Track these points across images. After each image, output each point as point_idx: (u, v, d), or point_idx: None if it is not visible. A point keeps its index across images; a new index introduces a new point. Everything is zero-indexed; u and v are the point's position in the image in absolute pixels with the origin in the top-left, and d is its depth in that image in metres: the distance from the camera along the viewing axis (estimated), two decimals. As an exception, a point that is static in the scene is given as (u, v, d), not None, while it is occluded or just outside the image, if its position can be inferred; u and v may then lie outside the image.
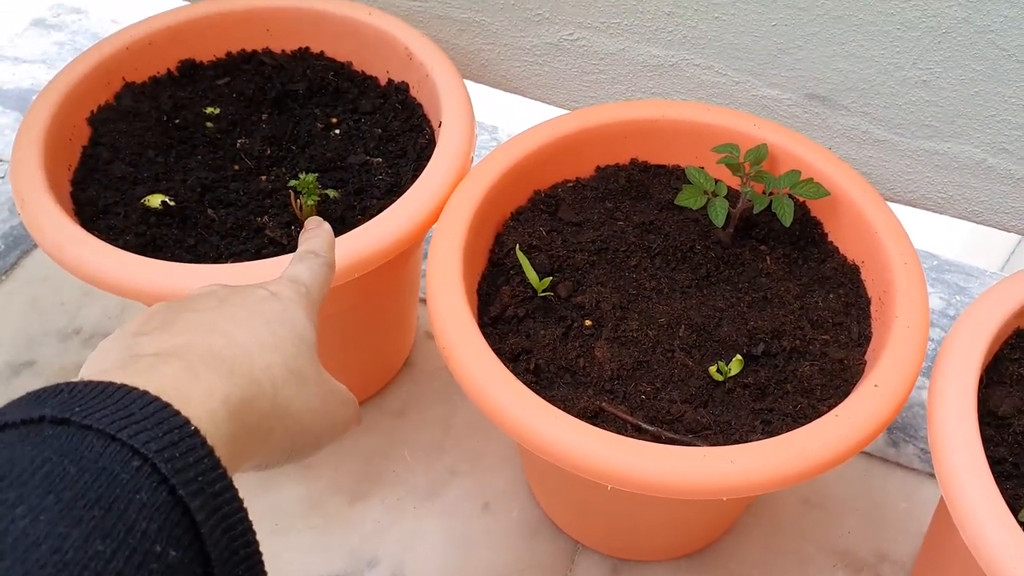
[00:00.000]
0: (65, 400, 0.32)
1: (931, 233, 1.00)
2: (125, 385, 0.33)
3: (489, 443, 0.83)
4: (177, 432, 0.32)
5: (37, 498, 0.28)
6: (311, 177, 0.67)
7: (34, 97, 1.12)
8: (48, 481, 0.29)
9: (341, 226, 0.70)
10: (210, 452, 0.33)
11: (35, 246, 0.96)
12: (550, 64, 0.86)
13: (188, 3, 0.83)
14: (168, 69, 0.81)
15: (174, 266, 0.62)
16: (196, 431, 0.33)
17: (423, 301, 0.89)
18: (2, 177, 1.05)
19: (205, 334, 0.40)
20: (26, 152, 0.69)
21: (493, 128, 1.11)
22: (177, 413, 0.33)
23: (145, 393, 0.33)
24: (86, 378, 0.34)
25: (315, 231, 0.54)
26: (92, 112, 0.76)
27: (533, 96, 0.90)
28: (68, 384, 0.33)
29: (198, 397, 0.35)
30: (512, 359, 0.63)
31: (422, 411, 0.86)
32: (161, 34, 0.80)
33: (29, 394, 0.33)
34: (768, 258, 0.70)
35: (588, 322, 0.66)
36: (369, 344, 0.80)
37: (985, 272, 0.97)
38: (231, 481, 0.33)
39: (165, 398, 0.33)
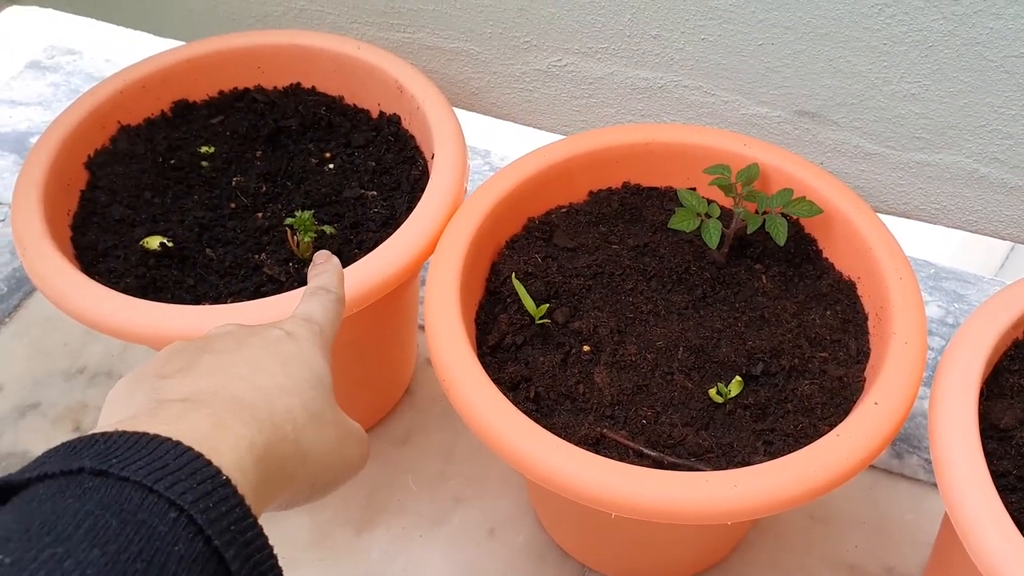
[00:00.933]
0: (102, 451, 0.33)
1: (925, 238, 1.00)
2: (159, 436, 0.34)
3: (492, 468, 0.83)
4: (210, 483, 0.33)
5: (83, 552, 0.29)
6: (307, 214, 0.67)
7: (31, 139, 1.13)
8: (92, 535, 0.30)
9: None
10: (241, 501, 0.34)
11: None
12: (540, 90, 0.87)
13: (181, 44, 0.84)
14: (162, 110, 0.82)
15: (175, 308, 0.62)
16: (227, 480, 0.34)
17: (422, 328, 0.90)
18: (2, 220, 1.05)
19: (228, 379, 0.41)
20: (26, 199, 0.69)
21: (486, 152, 1.11)
22: (209, 463, 0.34)
23: (178, 444, 0.34)
24: (111, 423, 0.35)
25: (324, 266, 0.54)
26: (89, 156, 0.77)
27: (524, 122, 0.90)
28: (104, 435, 0.34)
29: (226, 446, 0.36)
30: (512, 388, 0.63)
31: (425, 438, 0.86)
32: (154, 76, 0.80)
33: (65, 444, 0.34)
34: (764, 277, 0.70)
35: (586, 347, 0.66)
36: (371, 375, 0.81)
37: (982, 279, 0.98)
38: (261, 528, 0.34)
39: (196, 448, 0.34)
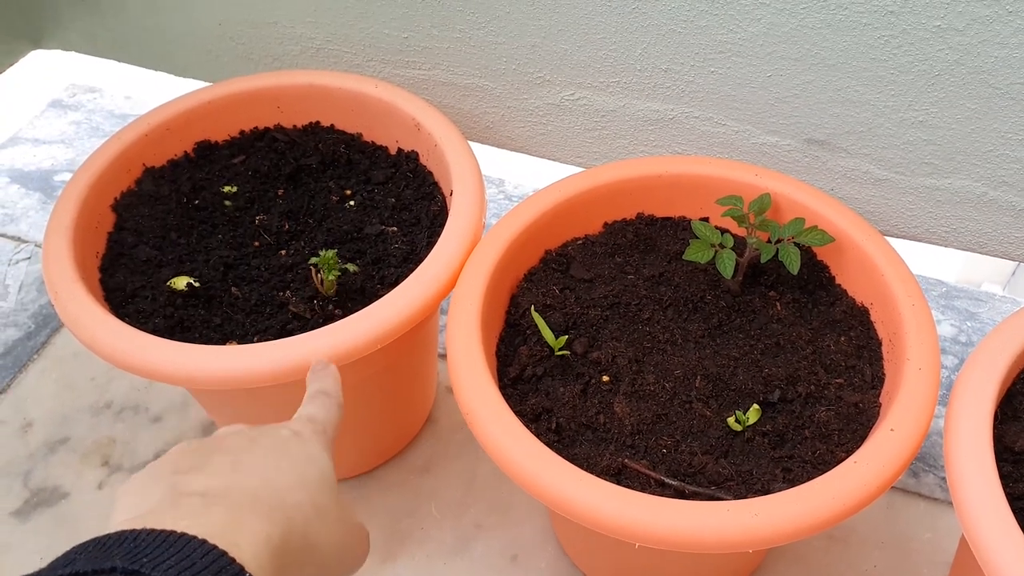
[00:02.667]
0: (131, 550, 0.35)
1: (933, 251, 1.01)
2: (185, 534, 0.36)
3: (514, 495, 0.84)
4: None
5: None
6: (331, 253, 0.69)
7: (55, 177, 1.15)
8: None
9: (362, 297, 0.72)
10: None
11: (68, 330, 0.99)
12: (553, 123, 0.89)
13: (200, 83, 0.86)
14: (185, 151, 0.84)
15: (203, 349, 0.64)
16: None
17: (442, 356, 0.91)
18: (27, 258, 1.08)
19: (243, 476, 0.43)
20: (56, 243, 0.71)
21: (500, 181, 1.13)
22: (233, 561, 0.36)
23: (204, 542, 0.36)
24: (132, 517, 0.37)
25: (322, 372, 0.57)
26: (115, 199, 0.79)
27: (538, 154, 0.92)
28: (132, 533, 0.36)
29: (245, 541, 0.38)
30: (533, 419, 0.65)
31: (446, 466, 0.87)
32: (177, 119, 0.82)
33: (94, 541, 0.36)
34: (778, 304, 0.72)
35: (606, 378, 0.67)
36: (393, 406, 0.82)
37: (994, 296, 0.98)
38: None
39: (219, 545, 0.36)
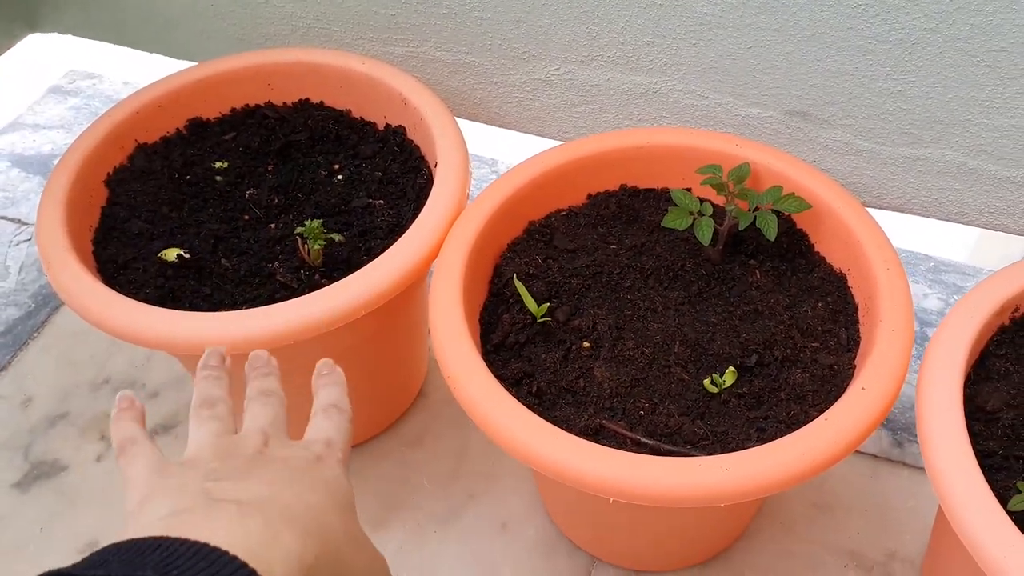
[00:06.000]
0: (164, 559, 0.35)
1: (943, 236, 1.02)
2: (218, 549, 0.36)
3: (503, 466, 0.86)
4: None
5: None
6: (316, 223, 0.70)
7: (55, 161, 1.17)
8: None
9: (348, 267, 0.73)
10: None
11: (63, 303, 1.01)
12: (540, 99, 0.90)
13: (194, 64, 0.88)
14: (177, 128, 0.85)
15: (193, 316, 0.66)
16: None
17: (434, 333, 0.93)
18: (28, 240, 1.09)
19: (279, 491, 0.42)
20: (50, 216, 0.73)
21: (493, 161, 1.14)
22: None
23: (235, 559, 0.36)
24: (164, 516, 0.38)
25: (329, 377, 0.54)
26: (108, 174, 0.80)
27: (526, 130, 0.93)
28: (167, 541, 0.36)
29: (279, 560, 0.38)
30: (515, 384, 0.66)
31: (437, 439, 0.88)
32: (168, 96, 0.84)
33: (128, 545, 0.36)
34: (757, 272, 0.73)
35: (586, 344, 0.69)
36: (383, 376, 0.83)
37: (981, 271, 0.99)
38: None
39: (252, 561, 0.36)
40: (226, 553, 0.36)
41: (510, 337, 0.69)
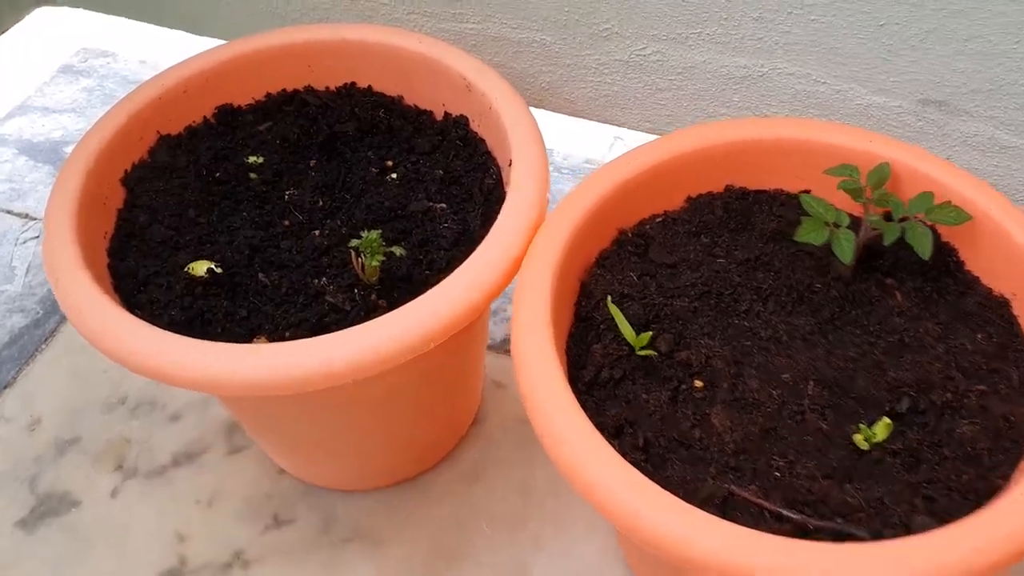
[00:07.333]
0: None
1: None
2: None
3: (574, 505, 0.75)
4: None
5: None
6: (375, 235, 0.59)
7: (66, 148, 1.07)
8: None
9: (408, 284, 0.63)
10: None
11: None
12: (620, 83, 0.78)
13: (222, 43, 0.77)
14: (204, 117, 0.76)
15: (226, 348, 0.55)
16: None
17: (489, 348, 0.82)
18: (36, 237, 0.99)
19: None
20: (58, 222, 0.63)
21: (548, 151, 1.02)
22: None
23: None
24: None
25: None
26: (126, 171, 0.70)
27: (602, 118, 0.82)
28: None
29: None
30: (615, 434, 0.55)
31: (497, 473, 0.78)
32: (194, 79, 0.74)
33: None
34: (898, 293, 0.61)
35: (698, 383, 0.57)
36: (438, 409, 0.73)
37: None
38: None
39: None
40: None
41: (604, 372, 0.58)
